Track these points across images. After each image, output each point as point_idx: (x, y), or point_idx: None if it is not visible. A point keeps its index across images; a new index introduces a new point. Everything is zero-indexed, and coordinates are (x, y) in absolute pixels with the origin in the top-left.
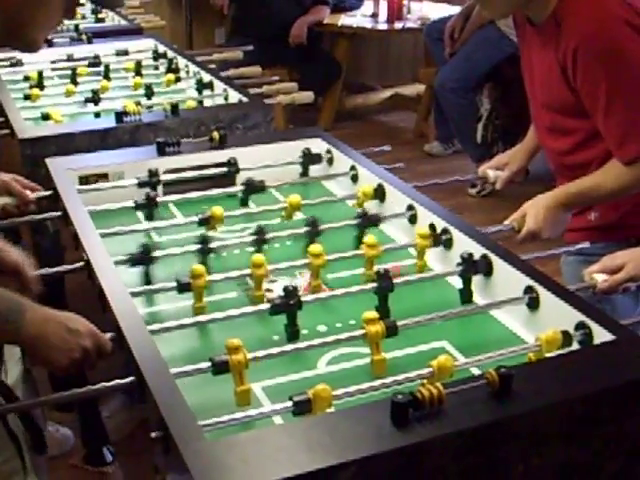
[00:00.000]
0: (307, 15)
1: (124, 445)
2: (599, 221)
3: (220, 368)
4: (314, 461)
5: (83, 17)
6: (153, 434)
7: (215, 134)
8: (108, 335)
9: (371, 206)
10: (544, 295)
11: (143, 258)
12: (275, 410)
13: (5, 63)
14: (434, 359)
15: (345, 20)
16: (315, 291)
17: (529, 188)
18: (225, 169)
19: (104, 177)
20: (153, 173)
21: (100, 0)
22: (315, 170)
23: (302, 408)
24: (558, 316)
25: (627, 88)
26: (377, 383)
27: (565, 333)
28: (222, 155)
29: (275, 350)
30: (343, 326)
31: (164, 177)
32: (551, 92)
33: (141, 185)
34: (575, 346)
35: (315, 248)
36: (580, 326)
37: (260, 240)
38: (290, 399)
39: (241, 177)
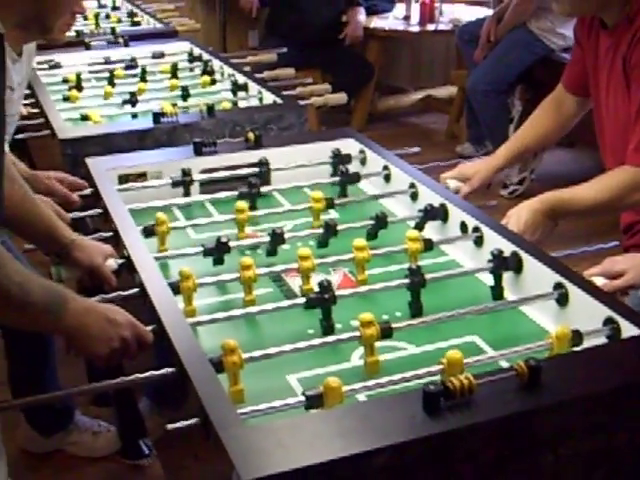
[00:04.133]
0: (356, 15)
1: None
2: None
3: (217, 368)
4: (349, 447)
5: (119, 20)
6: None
7: (250, 135)
8: (149, 327)
9: (404, 205)
10: (573, 291)
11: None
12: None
13: (44, 66)
14: (465, 353)
15: (377, 23)
16: (362, 284)
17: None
18: (257, 169)
19: (143, 176)
20: (186, 173)
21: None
22: (349, 170)
23: (314, 402)
24: (587, 312)
25: None
26: (409, 375)
27: (575, 332)
28: (256, 155)
29: (272, 350)
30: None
31: (201, 177)
32: (616, 106)
33: (175, 184)
34: (603, 340)
35: (359, 242)
36: (608, 321)
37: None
38: (303, 394)
39: (274, 177)
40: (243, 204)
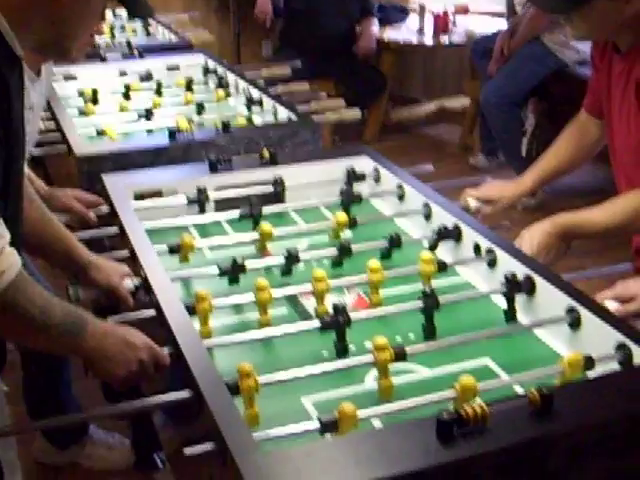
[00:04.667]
0: (369, 26)
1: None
2: None
3: (232, 391)
4: (363, 475)
5: (134, 31)
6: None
7: (265, 152)
8: (166, 349)
9: (418, 225)
10: (585, 315)
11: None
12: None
13: (59, 77)
14: (478, 376)
15: (391, 34)
16: (375, 307)
17: (576, 202)
18: (272, 188)
19: (158, 194)
20: (202, 191)
21: (132, 9)
22: (362, 188)
23: (329, 428)
24: (599, 336)
25: None
26: (425, 400)
27: (588, 358)
28: (271, 173)
29: (287, 375)
30: (390, 343)
31: (216, 194)
32: (629, 129)
33: (190, 202)
34: (616, 367)
35: (374, 264)
36: (620, 347)
37: (294, 259)
38: (318, 419)
39: (289, 196)
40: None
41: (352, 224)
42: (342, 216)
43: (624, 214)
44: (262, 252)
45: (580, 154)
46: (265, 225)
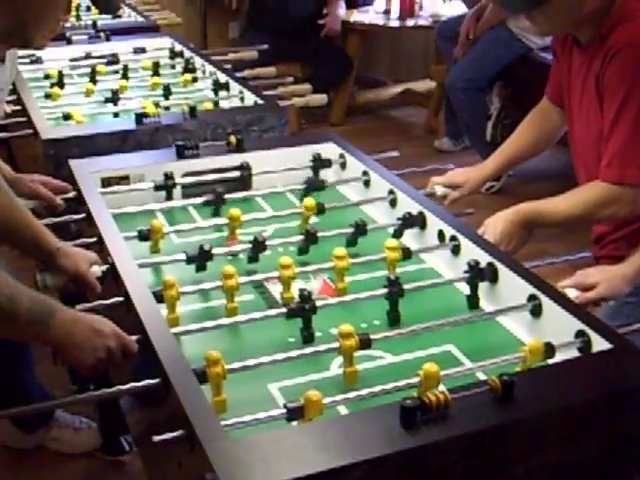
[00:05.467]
0: (336, 8)
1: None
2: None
3: (200, 378)
4: (328, 461)
5: (101, 13)
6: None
7: (232, 138)
8: (134, 337)
9: (383, 212)
10: (546, 303)
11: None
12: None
13: (25, 60)
14: (441, 362)
15: (357, 16)
16: (341, 294)
17: (539, 185)
18: (239, 173)
19: (125, 179)
20: (169, 176)
21: (99, 5)
22: (328, 174)
23: (295, 414)
24: (559, 324)
25: None
26: (389, 387)
27: (548, 344)
28: (238, 159)
29: (253, 361)
30: (355, 329)
31: (183, 180)
32: (589, 121)
33: (158, 188)
34: (575, 353)
35: (339, 251)
36: (580, 334)
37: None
38: (284, 406)
39: (255, 182)
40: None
41: (319, 211)
42: (310, 202)
43: (585, 205)
44: (230, 237)
45: (542, 140)
46: (234, 210)
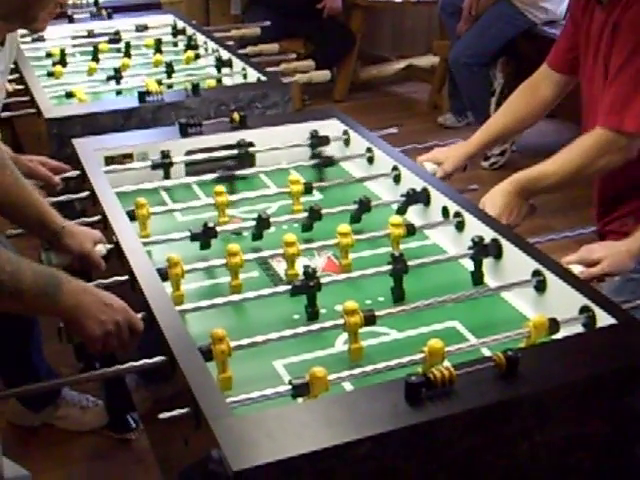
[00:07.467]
0: None
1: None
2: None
3: (205, 356)
4: (333, 437)
5: None
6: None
7: (235, 115)
8: (139, 315)
9: (387, 188)
10: (550, 279)
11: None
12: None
13: (27, 39)
14: (446, 338)
15: None
16: (345, 270)
17: (543, 161)
18: (242, 150)
19: (129, 157)
20: (166, 155)
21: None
22: (332, 151)
23: (301, 391)
24: (563, 299)
25: None
26: (394, 363)
27: (552, 320)
28: (242, 136)
29: (259, 338)
30: (360, 306)
31: (181, 158)
32: (605, 75)
33: (154, 167)
34: (579, 329)
35: (343, 228)
36: (584, 309)
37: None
38: (290, 383)
39: (259, 158)
40: (221, 187)
41: (320, 188)
42: (300, 178)
43: (580, 157)
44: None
45: (529, 116)
46: (219, 188)
